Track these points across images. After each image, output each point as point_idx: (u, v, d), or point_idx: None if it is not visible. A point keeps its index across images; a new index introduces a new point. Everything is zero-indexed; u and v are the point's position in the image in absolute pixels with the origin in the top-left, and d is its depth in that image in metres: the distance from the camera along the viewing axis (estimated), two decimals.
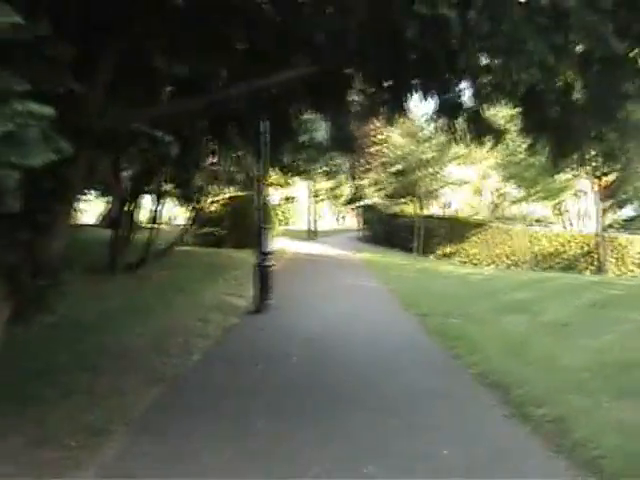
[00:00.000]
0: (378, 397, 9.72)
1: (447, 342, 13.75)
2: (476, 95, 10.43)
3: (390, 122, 13.37)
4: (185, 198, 26.87)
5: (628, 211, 54.06)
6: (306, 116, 18.33)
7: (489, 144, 11.67)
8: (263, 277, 16.90)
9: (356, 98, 12.73)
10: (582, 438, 7.64)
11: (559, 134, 10.21)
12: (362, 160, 49.12)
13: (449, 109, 10.84)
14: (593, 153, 15.99)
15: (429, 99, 11.05)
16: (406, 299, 20.29)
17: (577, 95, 9.82)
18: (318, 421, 8.40)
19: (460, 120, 10.89)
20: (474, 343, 13.36)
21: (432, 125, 42.61)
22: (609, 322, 16.52)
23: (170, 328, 13.85)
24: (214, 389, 9.76)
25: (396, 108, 11.98)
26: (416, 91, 10.81)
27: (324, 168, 39.94)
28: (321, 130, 21.14)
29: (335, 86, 11.41)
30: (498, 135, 11.37)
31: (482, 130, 10.94)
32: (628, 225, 51.48)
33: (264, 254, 17.07)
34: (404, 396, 9.88)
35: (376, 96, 11.90)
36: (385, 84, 11.29)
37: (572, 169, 39.16)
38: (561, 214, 60.07)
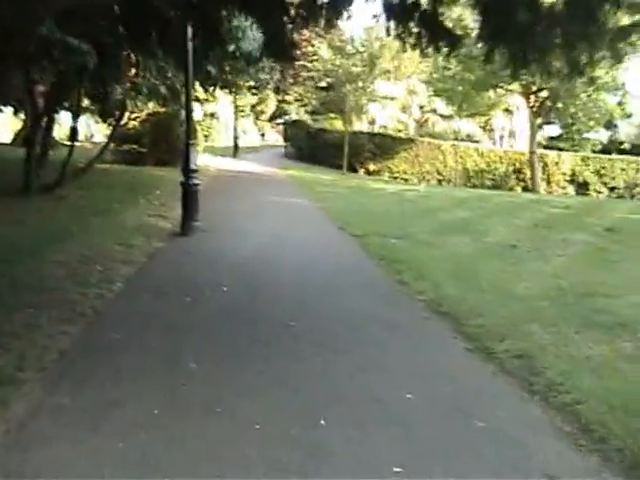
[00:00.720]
0: (320, 330, 8.86)
1: (390, 266, 12.91)
2: None
3: (330, 26, 12.21)
4: (104, 114, 25.39)
5: (553, 129, 54.28)
6: (235, 23, 17.16)
7: (445, 50, 10.60)
8: (189, 197, 15.68)
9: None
10: (554, 378, 6.95)
11: (523, 41, 9.23)
12: (289, 73, 47.88)
13: (401, 11, 9.79)
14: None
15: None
16: (339, 218, 19.40)
17: None
18: (255, 360, 7.46)
19: (412, 23, 9.88)
20: (419, 267, 12.53)
21: (365, 36, 42.16)
22: (557, 243, 16.04)
23: (89, 254, 12.64)
24: (139, 324, 8.69)
25: (337, 11, 10.92)
26: None
27: (251, 82, 38.37)
28: (250, 38, 19.86)
29: None
30: (455, 40, 10.32)
31: (438, 35, 9.89)
32: (553, 143, 51.72)
33: (190, 172, 15.75)
34: (349, 327, 9.06)
35: None
36: None
37: (506, 84, 38.97)
38: (490, 131, 59.77)
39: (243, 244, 14.79)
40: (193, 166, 15.78)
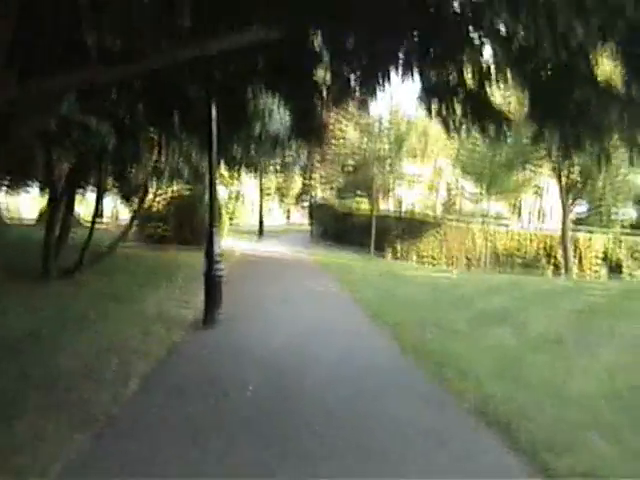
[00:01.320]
0: (354, 441, 7.89)
1: (427, 361, 11.81)
2: (479, 72, 8.64)
3: (363, 107, 11.47)
4: (125, 195, 24.85)
5: (581, 208, 53.58)
6: (261, 103, 16.58)
7: (492, 132, 9.80)
8: (213, 286, 14.88)
9: (324, 78, 11.03)
10: None
11: (578, 120, 8.45)
12: (316, 154, 47.49)
13: (443, 90, 9.06)
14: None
15: (414, 78, 9.34)
16: (371, 307, 18.27)
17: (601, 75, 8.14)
18: None
19: (457, 104, 9.14)
20: (459, 362, 11.50)
21: (391, 116, 41.97)
22: (604, 333, 14.85)
23: (107, 345, 11.91)
24: (155, 432, 7.85)
25: (372, 90, 10.22)
26: (399, 67, 9.07)
27: (277, 163, 37.60)
28: (277, 119, 19.24)
29: (301, 61, 9.60)
30: (503, 121, 9.54)
31: (485, 116, 9.12)
32: (582, 222, 50.85)
33: (213, 260, 14.95)
34: (386, 437, 8.04)
35: (349, 74, 10.15)
36: (360, 59, 9.56)
37: (536, 165, 38.42)
38: (518, 212, 59.12)
39: (270, 335, 13.87)
40: (217, 254, 14.99)
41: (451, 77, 8.95)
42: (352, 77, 10.39)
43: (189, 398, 9.26)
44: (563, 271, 41.29)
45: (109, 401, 8.85)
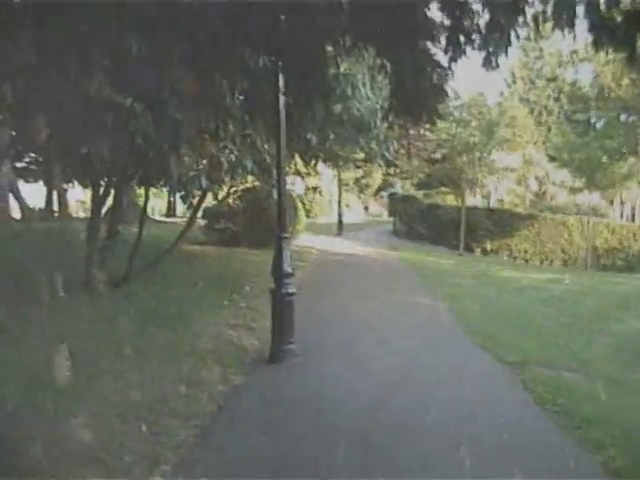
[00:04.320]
0: None
1: (581, 431, 8.12)
2: None
3: (489, 64, 7.94)
4: (173, 191, 21.74)
5: None
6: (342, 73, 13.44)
7: None
8: (281, 310, 11.70)
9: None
10: None
11: None
12: (402, 143, 44.00)
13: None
14: None
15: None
16: (477, 329, 14.75)
17: None
18: None
19: None
20: (632, 437, 7.70)
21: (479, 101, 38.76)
22: None
23: (138, 399, 8.72)
24: None
25: (507, 38, 6.93)
26: None
27: (359, 154, 33.71)
28: (363, 97, 15.85)
29: None
30: None
31: None
32: None
33: (283, 276, 11.72)
34: None
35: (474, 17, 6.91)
36: None
37: None
38: (620, 204, 55.50)
39: (355, 380, 10.49)
40: (287, 269, 11.76)
41: None
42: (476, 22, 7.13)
43: None
44: None
45: None
